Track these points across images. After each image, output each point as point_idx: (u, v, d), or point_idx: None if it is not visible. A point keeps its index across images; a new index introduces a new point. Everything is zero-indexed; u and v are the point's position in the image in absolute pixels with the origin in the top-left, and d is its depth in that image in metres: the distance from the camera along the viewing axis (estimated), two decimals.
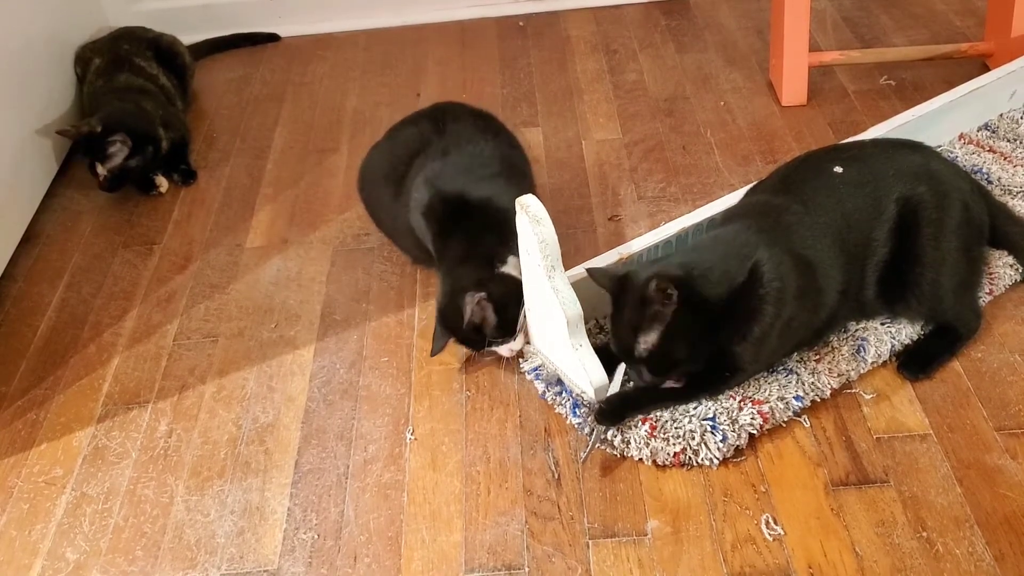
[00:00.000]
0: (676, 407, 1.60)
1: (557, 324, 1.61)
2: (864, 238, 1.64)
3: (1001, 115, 2.24)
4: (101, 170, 2.32)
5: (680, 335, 1.51)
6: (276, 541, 1.54)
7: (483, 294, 1.67)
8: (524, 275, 1.67)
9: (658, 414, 1.59)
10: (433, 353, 1.76)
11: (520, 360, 1.77)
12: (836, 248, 1.62)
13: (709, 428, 1.56)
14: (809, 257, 1.59)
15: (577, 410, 1.63)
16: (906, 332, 1.71)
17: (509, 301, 1.72)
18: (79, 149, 2.34)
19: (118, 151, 2.31)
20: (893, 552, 1.42)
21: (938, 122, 2.14)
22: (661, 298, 1.48)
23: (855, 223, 1.64)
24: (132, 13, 2.92)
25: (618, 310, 1.57)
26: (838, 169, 1.69)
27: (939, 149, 2.12)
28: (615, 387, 1.62)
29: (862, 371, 1.68)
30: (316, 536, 1.54)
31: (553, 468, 1.60)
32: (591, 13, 3.03)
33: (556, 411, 1.68)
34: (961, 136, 2.19)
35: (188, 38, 2.86)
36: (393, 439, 1.69)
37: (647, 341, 1.52)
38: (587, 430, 1.60)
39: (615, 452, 1.59)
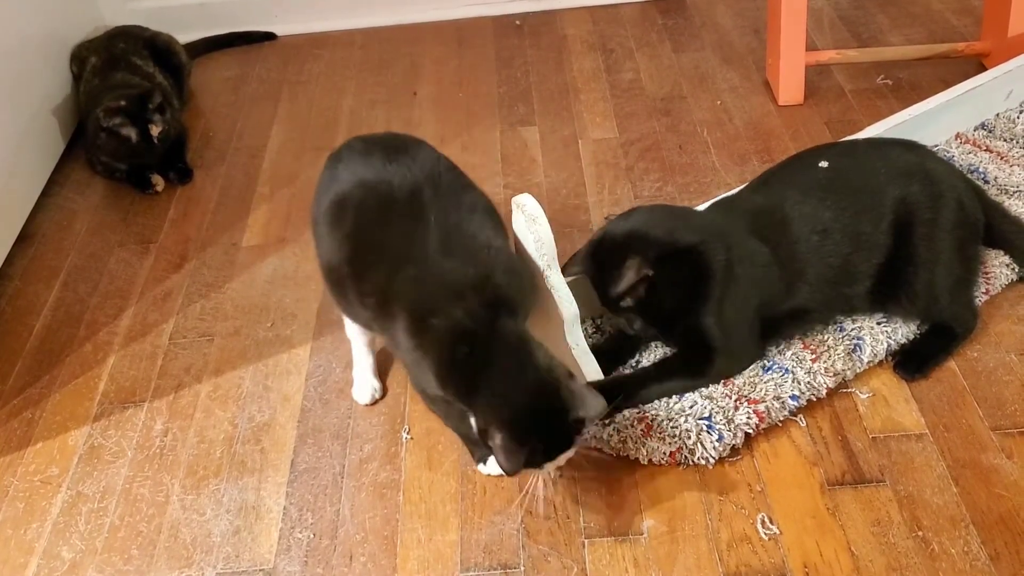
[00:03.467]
0: (670, 402, 1.60)
1: (553, 324, 1.61)
2: (847, 232, 1.64)
3: (998, 114, 2.24)
4: (155, 130, 2.34)
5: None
6: (272, 540, 1.54)
7: None
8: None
9: (654, 413, 1.59)
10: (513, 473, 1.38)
11: None
12: (806, 238, 1.64)
13: (705, 427, 1.56)
14: (764, 241, 1.64)
15: None
16: (902, 332, 1.71)
17: None
18: (133, 121, 2.33)
19: (158, 103, 2.36)
20: (889, 551, 1.42)
21: (935, 121, 2.14)
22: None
23: (836, 217, 1.65)
24: (128, 12, 2.92)
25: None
26: (823, 164, 1.71)
27: (935, 149, 2.12)
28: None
29: (858, 370, 1.68)
30: (312, 535, 1.54)
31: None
32: (588, 12, 3.03)
33: None
34: (958, 135, 2.19)
35: (184, 37, 2.86)
36: (389, 438, 1.69)
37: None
38: None
39: (611, 451, 1.59)
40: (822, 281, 1.65)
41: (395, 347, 1.53)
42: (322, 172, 1.62)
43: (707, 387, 1.64)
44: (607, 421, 1.59)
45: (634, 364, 1.73)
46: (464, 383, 1.39)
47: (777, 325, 1.68)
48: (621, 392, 1.60)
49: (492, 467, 1.57)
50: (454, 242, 1.45)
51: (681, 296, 1.61)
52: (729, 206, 1.74)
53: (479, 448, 1.56)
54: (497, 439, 1.34)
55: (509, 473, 1.36)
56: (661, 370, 1.67)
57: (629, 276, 1.56)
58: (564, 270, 1.62)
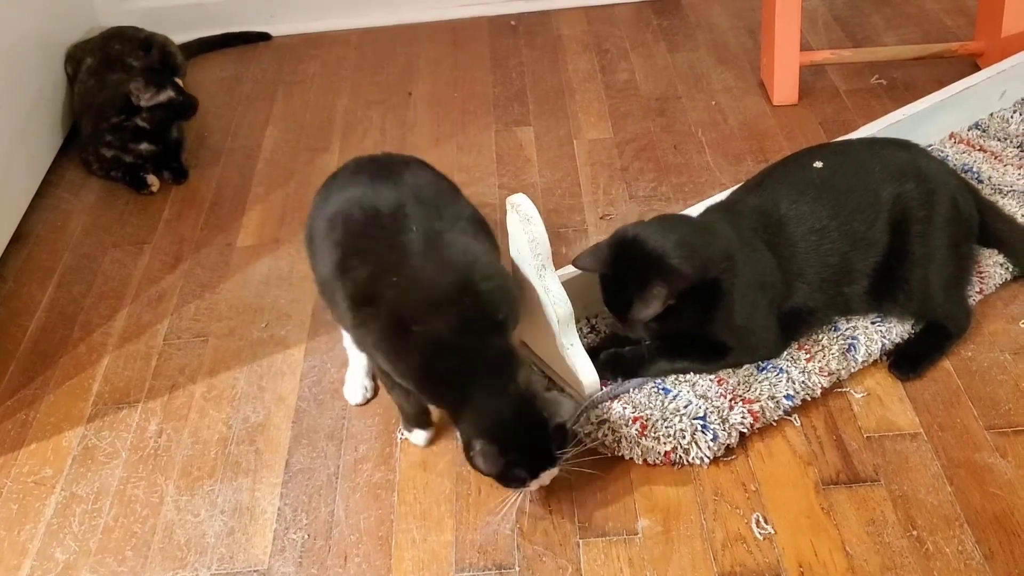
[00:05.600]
0: (665, 401, 1.60)
1: (548, 323, 1.61)
2: (845, 231, 1.64)
3: (991, 114, 2.25)
4: (181, 81, 2.43)
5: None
6: (266, 541, 1.54)
7: None
8: (514, 274, 1.67)
9: (648, 413, 1.59)
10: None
11: None
12: (804, 237, 1.64)
13: (699, 427, 1.56)
14: (764, 242, 1.63)
15: None
16: (896, 331, 1.71)
17: None
18: (162, 85, 2.36)
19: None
20: (883, 551, 1.42)
21: (929, 121, 2.14)
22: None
23: (833, 216, 1.65)
24: (123, 12, 2.91)
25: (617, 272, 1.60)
26: (818, 164, 1.71)
27: (929, 148, 2.12)
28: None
29: (853, 370, 1.68)
30: (306, 536, 1.54)
31: None
32: (583, 12, 3.03)
33: None
34: (952, 135, 2.20)
35: (179, 37, 2.85)
36: (384, 439, 1.68)
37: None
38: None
39: (605, 451, 1.59)
40: (821, 280, 1.65)
41: (365, 348, 1.58)
42: (317, 192, 1.70)
43: (709, 377, 1.65)
44: (602, 419, 1.59)
45: None
46: (450, 397, 1.47)
47: (782, 327, 1.68)
48: (630, 364, 1.65)
49: (415, 437, 1.66)
50: (433, 250, 1.50)
51: (694, 317, 1.60)
52: (732, 210, 1.72)
53: (405, 415, 1.65)
54: (477, 446, 1.39)
55: (486, 473, 1.43)
56: (674, 347, 1.67)
57: (655, 306, 1.52)
58: (577, 261, 1.61)
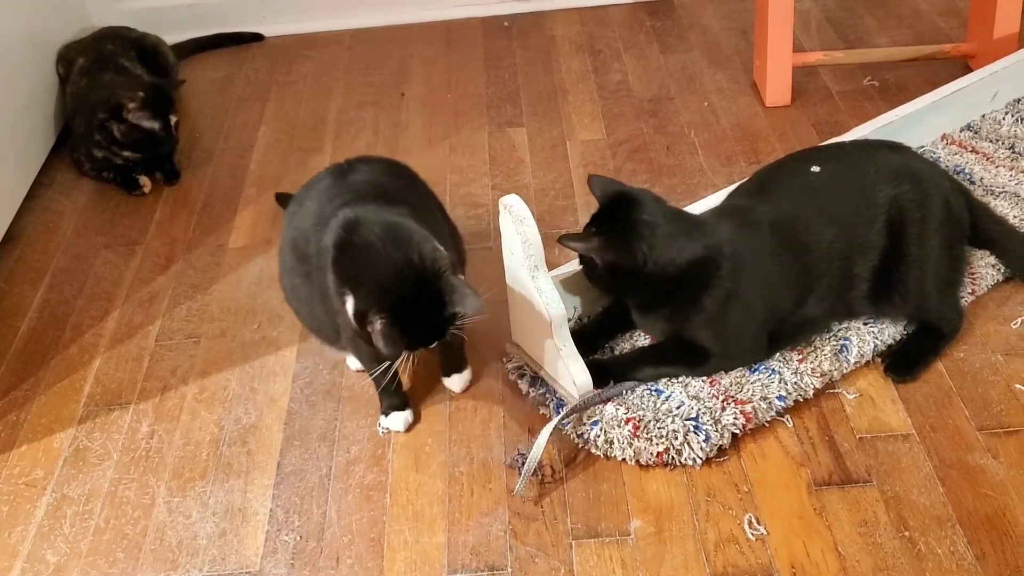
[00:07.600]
0: (658, 402, 1.60)
1: (540, 324, 1.61)
2: (847, 237, 1.65)
3: (983, 116, 2.25)
4: (174, 119, 2.40)
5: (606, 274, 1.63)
6: (258, 543, 1.54)
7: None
8: (507, 275, 1.67)
9: (641, 414, 1.59)
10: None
11: (504, 360, 1.76)
12: (806, 246, 1.64)
13: (692, 428, 1.56)
14: (769, 251, 1.63)
15: (561, 410, 1.63)
16: (889, 332, 1.72)
17: None
18: (155, 113, 2.35)
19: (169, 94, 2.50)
20: (875, 552, 1.42)
21: (921, 123, 2.15)
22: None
23: (835, 222, 1.65)
24: (116, 12, 2.91)
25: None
26: (815, 168, 1.71)
27: (922, 150, 2.13)
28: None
29: (845, 371, 1.68)
30: (298, 537, 1.54)
31: (536, 469, 1.59)
32: (576, 13, 3.04)
33: (540, 412, 1.68)
34: (944, 137, 2.20)
35: (172, 38, 2.85)
36: (376, 440, 1.68)
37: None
38: (519, 463, 1.58)
39: (598, 452, 1.59)
40: (826, 288, 1.65)
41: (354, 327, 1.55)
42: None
43: (701, 378, 1.65)
44: (595, 420, 1.59)
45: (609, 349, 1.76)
46: (347, 267, 1.48)
47: (782, 335, 1.68)
48: (614, 371, 1.65)
49: (391, 422, 1.68)
50: (366, 188, 1.61)
51: (661, 305, 1.63)
52: (746, 219, 1.67)
53: (381, 395, 1.69)
54: (378, 325, 1.41)
55: (390, 358, 1.46)
56: (657, 353, 1.68)
57: (579, 247, 1.63)
58: (592, 181, 1.67)
